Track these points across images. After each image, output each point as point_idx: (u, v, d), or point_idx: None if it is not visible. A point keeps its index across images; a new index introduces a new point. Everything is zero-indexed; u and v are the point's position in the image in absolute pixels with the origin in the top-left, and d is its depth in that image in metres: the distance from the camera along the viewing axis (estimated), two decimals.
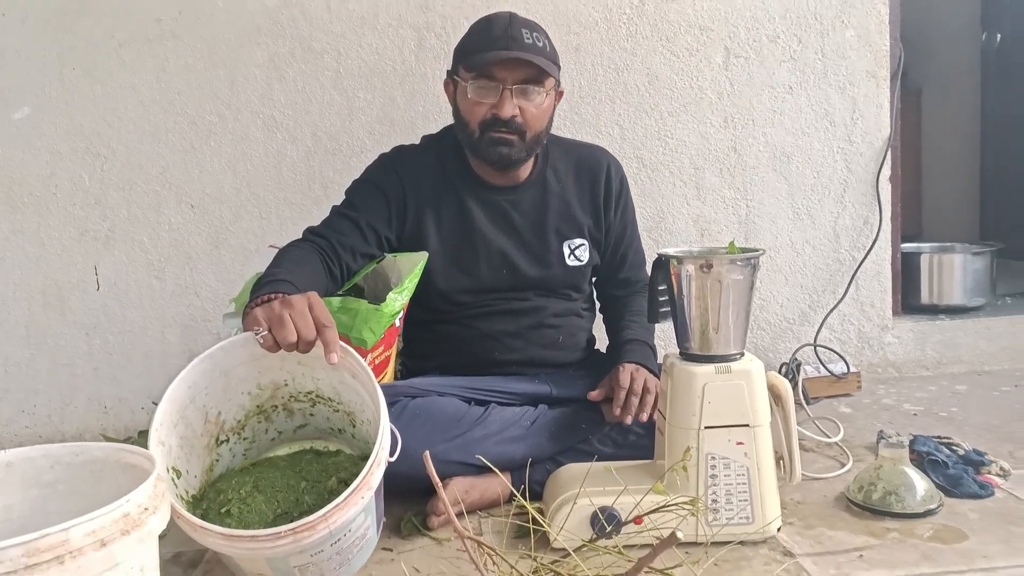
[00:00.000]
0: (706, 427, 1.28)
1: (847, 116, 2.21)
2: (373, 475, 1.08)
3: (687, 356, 1.34)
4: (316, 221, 2.09)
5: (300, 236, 1.52)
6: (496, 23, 1.49)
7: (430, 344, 1.67)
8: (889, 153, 2.21)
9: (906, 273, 2.36)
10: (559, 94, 1.59)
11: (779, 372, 2.00)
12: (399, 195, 1.57)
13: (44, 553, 0.75)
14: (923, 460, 1.50)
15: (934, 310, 2.37)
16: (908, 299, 2.37)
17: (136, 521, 0.85)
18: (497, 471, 1.24)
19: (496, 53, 1.46)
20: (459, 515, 1.46)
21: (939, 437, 1.63)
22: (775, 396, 1.34)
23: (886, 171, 2.22)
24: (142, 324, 2.10)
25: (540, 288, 1.65)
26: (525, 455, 1.51)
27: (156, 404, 2.06)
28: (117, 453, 1.01)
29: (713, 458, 1.29)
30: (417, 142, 1.70)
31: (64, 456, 1.03)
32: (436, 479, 1.02)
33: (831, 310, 2.20)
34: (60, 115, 2.03)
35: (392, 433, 1.14)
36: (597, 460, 1.52)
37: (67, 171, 2.04)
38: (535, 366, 1.66)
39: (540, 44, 1.49)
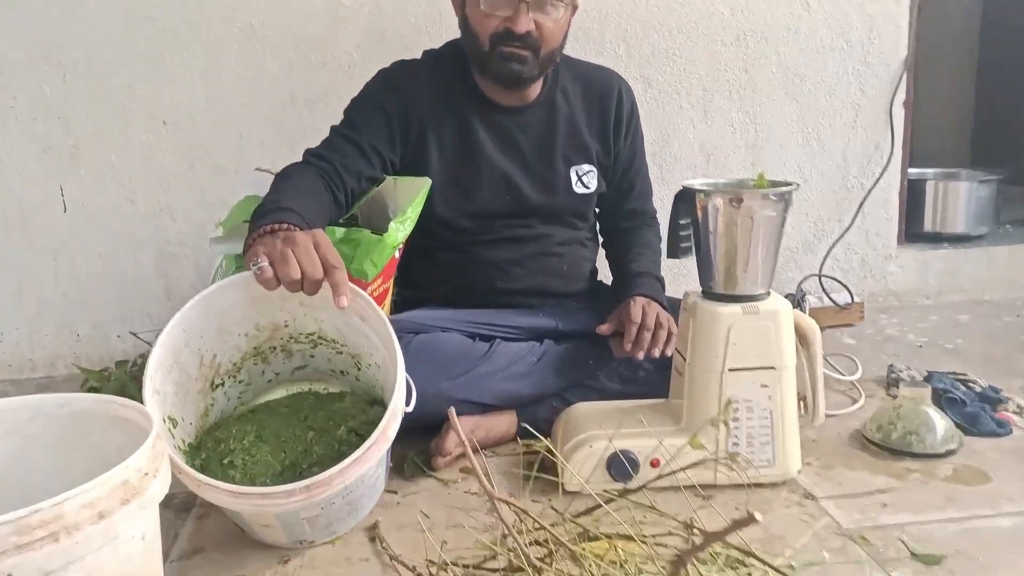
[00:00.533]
0: (730, 369, 1.22)
1: (864, 35, 2.09)
2: (390, 427, 1.01)
3: (711, 295, 1.27)
4: (298, 139, 1.96)
5: (300, 159, 1.40)
6: None
7: (429, 273, 1.58)
8: (905, 76, 2.11)
9: (910, 200, 2.29)
10: (574, 8, 1.45)
11: None
12: (401, 114, 1.45)
13: (37, 530, 0.67)
14: (940, 398, 1.47)
15: (937, 238, 2.32)
16: (911, 227, 2.31)
17: (136, 488, 0.76)
18: (527, 419, 1.15)
19: None
20: (464, 455, 1.40)
21: (954, 373, 1.60)
22: (800, 336, 1.28)
23: (900, 95, 2.13)
24: (113, 247, 1.97)
25: (545, 215, 1.57)
26: (532, 392, 1.46)
27: (133, 334, 1.98)
28: (106, 406, 0.92)
29: (736, 401, 1.23)
30: (409, 57, 1.56)
31: (46, 407, 0.93)
32: (459, 428, 0.94)
33: (837, 239, 2.14)
34: (14, 20, 1.83)
35: (407, 382, 1.06)
36: (606, 397, 1.47)
37: (25, 83, 1.86)
38: (538, 296, 1.58)
39: None
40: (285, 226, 1.11)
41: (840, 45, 2.09)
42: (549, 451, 1.36)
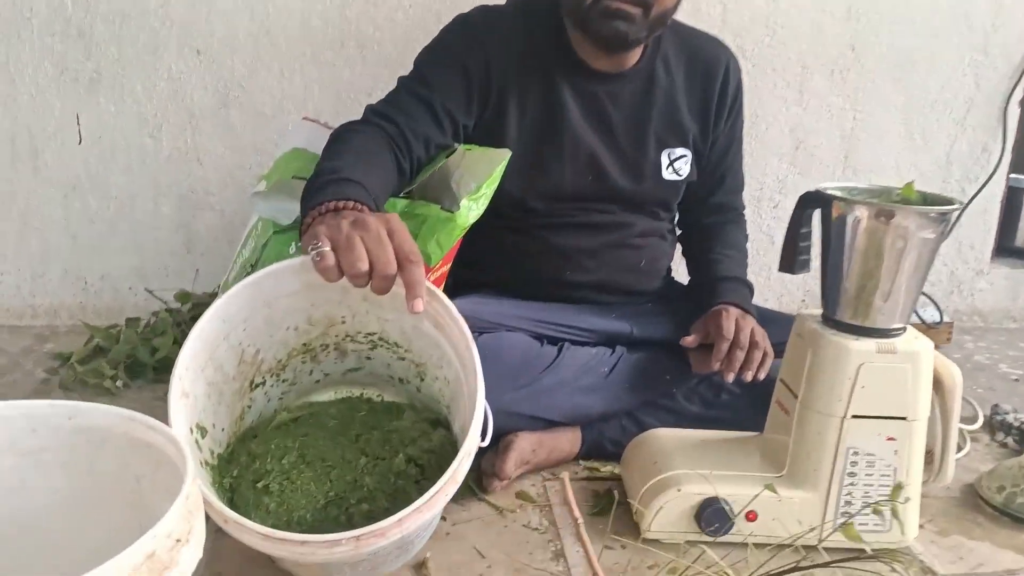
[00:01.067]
0: (853, 416, 1.04)
1: (988, 21, 1.85)
2: (461, 469, 0.83)
3: (836, 323, 1.07)
4: (344, 86, 1.75)
5: (360, 117, 1.19)
6: None
7: (489, 254, 1.37)
8: None
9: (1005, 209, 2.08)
10: None
11: None
12: (482, 72, 1.24)
13: None
14: None
15: None
16: (1002, 240, 2.10)
17: (165, 562, 0.58)
18: None
19: None
20: (521, 478, 1.24)
21: None
22: (936, 383, 1.09)
23: (1019, 93, 1.90)
24: (130, 189, 1.77)
25: (627, 202, 1.36)
26: (602, 409, 1.28)
27: (148, 291, 1.79)
28: (126, 423, 0.73)
29: (855, 453, 1.05)
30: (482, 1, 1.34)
31: (51, 418, 0.75)
32: (571, 497, 0.76)
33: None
34: None
35: (484, 413, 0.88)
36: (682, 420, 1.30)
37: None
38: (609, 292, 1.39)
39: None
40: (351, 204, 0.92)
41: (960, 30, 1.85)
42: (612, 475, 1.21)
